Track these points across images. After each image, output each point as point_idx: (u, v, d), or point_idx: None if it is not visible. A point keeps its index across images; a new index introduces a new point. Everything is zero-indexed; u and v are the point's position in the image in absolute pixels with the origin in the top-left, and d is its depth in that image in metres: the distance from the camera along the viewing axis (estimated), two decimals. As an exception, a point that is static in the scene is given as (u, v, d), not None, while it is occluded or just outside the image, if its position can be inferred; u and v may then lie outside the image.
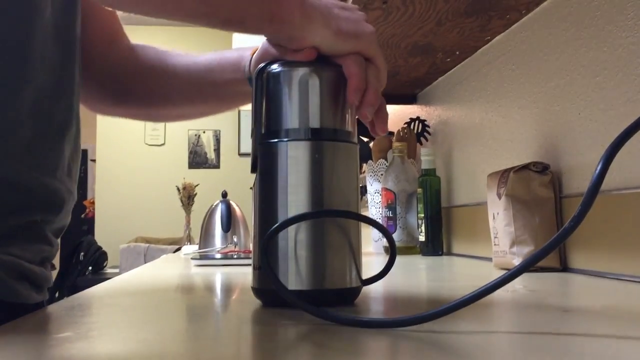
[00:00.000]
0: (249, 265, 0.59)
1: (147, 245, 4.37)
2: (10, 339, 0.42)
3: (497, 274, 0.65)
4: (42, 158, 0.62)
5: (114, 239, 4.81)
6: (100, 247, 4.35)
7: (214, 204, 1.54)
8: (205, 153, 5.36)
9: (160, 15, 0.52)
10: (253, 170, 0.56)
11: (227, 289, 0.78)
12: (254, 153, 0.56)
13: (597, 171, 0.39)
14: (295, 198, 0.53)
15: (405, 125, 1.67)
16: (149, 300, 0.64)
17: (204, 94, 0.81)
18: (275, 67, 0.56)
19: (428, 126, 1.64)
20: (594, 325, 0.45)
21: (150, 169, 5.23)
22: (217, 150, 5.37)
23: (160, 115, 0.90)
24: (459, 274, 0.98)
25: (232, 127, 5.24)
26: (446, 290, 0.72)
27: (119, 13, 0.85)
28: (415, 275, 0.94)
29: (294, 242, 0.53)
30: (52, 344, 0.41)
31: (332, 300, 0.53)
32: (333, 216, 0.54)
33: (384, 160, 1.68)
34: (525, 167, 0.95)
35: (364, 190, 1.81)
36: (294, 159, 0.54)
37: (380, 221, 1.47)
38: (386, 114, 0.60)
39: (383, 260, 1.33)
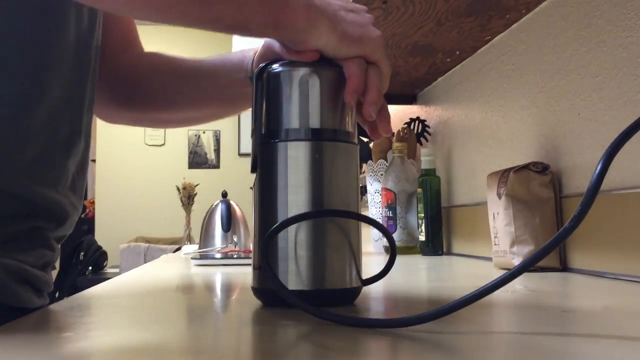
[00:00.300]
0: (249, 265, 0.59)
1: (147, 245, 4.37)
2: (10, 338, 0.42)
3: (497, 274, 0.65)
4: (46, 172, 0.63)
5: (114, 239, 4.80)
6: (100, 247, 4.35)
7: (214, 204, 1.54)
8: (205, 153, 5.36)
9: (165, 21, 0.52)
10: (253, 170, 0.56)
11: (227, 289, 0.78)
12: (254, 153, 0.56)
13: (597, 171, 0.39)
14: (295, 198, 0.53)
15: (405, 125, 1.67)
16: (149, 300, 0.64)
17: (209, 96, 0.81)
18: (275, 67, 0.56)
19: (428, 126, 1.64)
20: (594, 325, 0.45)
21: (150, 169, 5.23)
22: (217, 151, 5.37)
23: (165, 120, 0.90)
24: (459, 274, 0.98)
25: (232, 127, 5.24)
26: (446, 290, 0.72)
27: None
28: (415, 275, 0.94)
29: (294, 242, 0.53)
30: (52, 343, 0.41)
31: (332, 300, 0.53)
32: (333, 216, 0.54)
33: (384, 161, 1.68)
34: (525, 167, 0.95)
35: (364, 190, 1.81)
36: (294, 159, 0.54)
37: (380, 221, 1.47)
38: (389, 115, 0.60)
39: (383, 260, 1.33)
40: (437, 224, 1.44)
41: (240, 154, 5.28)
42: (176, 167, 5.24)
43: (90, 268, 4.12)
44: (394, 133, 1.67)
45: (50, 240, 0.66)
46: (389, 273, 0.56)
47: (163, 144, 5.32)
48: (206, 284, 0.85)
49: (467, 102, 1.39)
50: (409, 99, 1.75)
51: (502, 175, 0.98)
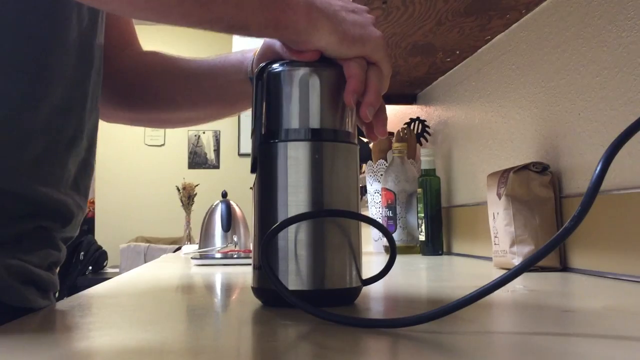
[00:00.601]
0: (249, 265, 0.59)
1: (147, 245, 4.37)
2: (10, 338, 0.42)
3: (497, 273, 0.65)
4: (48, 172, 0.62)
5: (114, 238, 4.81)
6: (100, 247, 4.35)
7: (214, 204, 1.54)
8: (205, 153, 5.36)
9: (166, 21, 0.52)
10: (253, 170, 0.56)
11: (227, 289, 0.78)
12: (254, 153, 0.56)
13: (597, 171, 0.39)
14: (295, 198, 0.53)
15: (405, 125, 1.67)
16: (149, 300, 0.64)
17: (208, 97, 0.81)
18: (275, 67, 0.56)
19: (428, 126, 1.64)
20: (594, 325, 0.45)
21: (150, 169, 5.23)
22: (217, 151, 5.37)
23: (164, 120, 0.90)
24: (459, 273, 0.98)
25: (231, 127, 5.24)
26: (446, 290, 0.72)
27: None
28: (415, 275, 0.94)
29: (294, 242, 0.53)
30: (52, 343, 0.41)
31: (332, 300, 0.53)
32: (333, 216, 0.54)
33: (383, 161, 1.68)
34: (525, 167, 0.95)
35: (364, 190, 1.81)
36: (294, 159, 0.54)
37: (380, 221, 1.47)
38: (386, 117, 0.60)
39: (383, 260, 1.33)
40: (437, 224, 1.44)
41: (240, 154, 5.28)
42: (176, 167, 5.25)
43: (90, 268, 4.12)
44: (393, 133, 1.67)
45: (56, 240, 0.66)
46: (389, 273, 0.56)
47: (163, 144, 5.33)
48: (206, 284, 0.85)
49: (467, 102, 1.39)
50: (409, 99, 1.75)
51: (502, 176, 0.98)
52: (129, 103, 0.85)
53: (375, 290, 0.68)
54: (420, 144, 1.65)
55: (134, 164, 5.21)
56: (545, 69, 1.03)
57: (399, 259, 1.30)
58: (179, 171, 5.15)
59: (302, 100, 0.55)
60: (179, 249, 3.40)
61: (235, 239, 1.47)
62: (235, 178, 4.75)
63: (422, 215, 1.44)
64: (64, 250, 0.69)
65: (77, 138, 0.67)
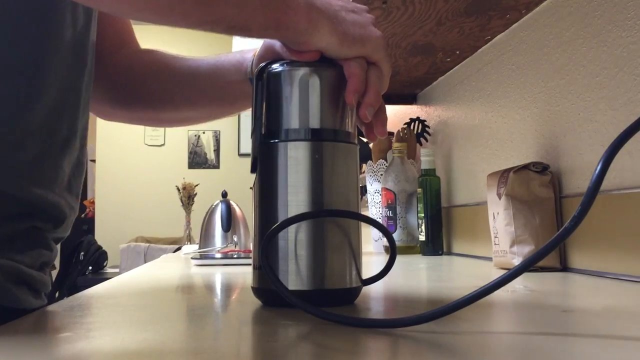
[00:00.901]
0: (249, 265, 0.59)
1: (147, 245, 4.37)
2: (10, 339, 0.42)
3: (497, 273, 0.65)
4: (42, 173, 0.62)
5: (114, 238, 4.80)
6: (100, 247, 4.34)
7: (214, 204, 1.54)
8: (205, 153, 5.36)
9: (167, 22, 0.52)
10: (253, 170, 0.56)
11: (227, 289, 0.78)
12: (254, 153, 0.56)
13: (597, 171, 0.39)
14: (295, 198, 0.53)
15: (405, 125, 1.67)
16: (149, 300, 0.64)
17: (207, 96, 0.80)
18: (275, 67, 0.56)
19: (428, 126, 1.64)
20: (594, 325, 0.45)
21: (150, 169, 5.23)
22: (217, 151, 5.37)
23: (163, 119, 0.90)
24: (459, 273, 0.98)
25: (231, 127, 5.24)
26: (446, 290, 0.72)
27: None
28: (415, 275, 0.94)
29: (294, 242, 0.53)
30: (52, 344, 0.41)
31: (332, 300, 0.53)
32: (333, 216, 0.54)
33: (383, 161, 1.68)
34: (525, 167, 0.95)
35: (364, 190, 1.81)
36: (294, 159, 0.54)
37: (380, 221, 1.47)
38: (385, 117, 0.60)
39: (383, 260, 1.33)
40: (437, 224, 1.44)
41: (240, 154, 5.28)
42: (176, 167, 5.24)
43: (90, 268, 4.12)
44: (393, 133, 1.67)
45: (48, 240, 0.66)
46: (389, 273, 0.56)
47: (163, 144, 5.32)
48: (206, 284, 0.85)
49: (467, 102, 1.39)
50: (409, 99, 1.75)
51: (502, 175, 0.98)
52: (127, 102, 0.85)
53: (375, 290, 0.68)
54: (420, 144, 1.65)
55: (134, 164, 5.21)
56: (545, 69, 1.03)
57: (399, 259, 1.30)
58: (179, 171, 5.15)
59: (302, 100, 0.55)
60: (179, 249, 3.40)
61: (235, 239, 1.47)
62: (235, 178, 4.75)
63: (422, 215, 1.44)
64: (56, 251, 0.68)
65: (71, 138, 0.67)
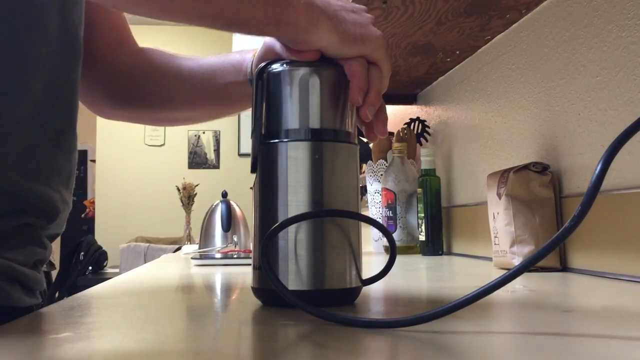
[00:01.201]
0: (249, 265, 0.59)
1: (147, 245, 4.37)
2: (9, 339, 0.42)
3: (497, 273, 0.65)
4: (37, 166, 0.61)
5: (114, 238, 4.80)
6: (100, 247, 4.34)
7: (214, 204, 1.54)
8: (205, 154, 5.36)
9: (166, 17, 0.52)
10: (253, 170, 0.56)
11: (227, 289, 0.78)
12: (254, 153, 0.56)
13: (597, 171, 0.39)
14: (295, 198, 0.53)
15: (405, 125, 1.67)
16: (149, 300, 0.64)
17: (206, 97, 0.80)
18: (275, 67, 0.56)
19: (428, 126, 1.64)
20: (594, 325, 0.45)
21: (150, 169, 5.23)
22: (217, 151, 5.37)
23: (162, 119, 0.90)
24: (459, 273, 0.98)
25: (231, 127, 5.24)
26: (446, 290, 0.72)
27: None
28: (415, 275, 0.94)
29: (294, 242, 0.53)
30: (52, 344, 0.41)
31: (332, 300, 0.53)
32: (333, 216, 0.54)
33: (384, 161, 1.68)
34: (525, 167, 0.95)
35: (364, 190, 1.81)
36: (294, 160, 0.54)
37: (380, 221, 1.47)
38: (386, 117, 0.60)
39: (383, 260, 1.33)
40: (437, 224, 1.44)
41: (240, 154, 5.28)
42: (176, 167, 5.24)
43: (90, 268, 4.12)
44: (393, 133, 1.67)
45: (41, 238, 0.65)
46: (389, 273, 0.56)
47: (163, 144, 5.32)
48: (206, 284, 0.85)
49: (467, 102, 1.39)
50: (409, 99, 1.75)
51: (502, 176, 0.98)
52: (126, 102, 0.84)
53: (375, 290, 0.68)
54: (420, 144, 1.65)
55: (134, 164, 5.21)
56: (545, 69, 1.03)
57: (399, 259, 1.30)
58: (179, 171, 5.15)
59: (302, 100, 0.55)
60: (179, 249, 3.40)
61: (235, 239, 1.47)
62: (235, 178, 4.76)
63: (422, 215, 1.44)
64: (50, 248, 0.68)
65: (67, 132, 0.66)
